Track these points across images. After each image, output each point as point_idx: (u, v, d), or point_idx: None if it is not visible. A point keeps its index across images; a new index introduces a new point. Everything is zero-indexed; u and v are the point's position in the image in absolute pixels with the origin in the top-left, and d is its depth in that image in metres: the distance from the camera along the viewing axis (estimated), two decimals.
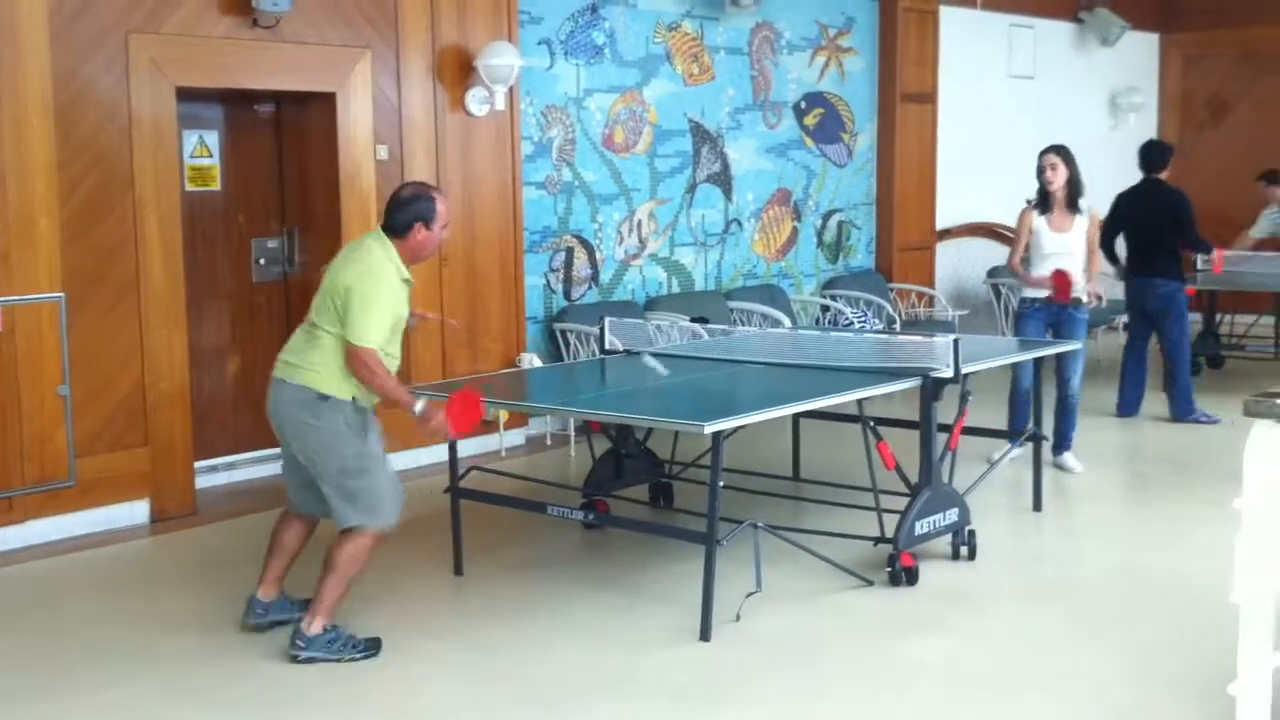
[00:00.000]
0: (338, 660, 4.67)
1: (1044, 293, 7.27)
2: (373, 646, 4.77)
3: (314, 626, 4.68)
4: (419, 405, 4.65)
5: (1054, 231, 7.26)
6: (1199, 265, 9.96)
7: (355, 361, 4.57)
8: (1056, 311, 7.29)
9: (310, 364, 4.67)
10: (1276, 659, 2.53)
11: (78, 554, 6.17)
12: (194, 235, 7.18)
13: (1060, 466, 7.41)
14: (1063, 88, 12.65)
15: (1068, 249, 7.24)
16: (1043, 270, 7.29)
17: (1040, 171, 7.29)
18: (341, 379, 4.64)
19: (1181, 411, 8.62)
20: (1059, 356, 7.23)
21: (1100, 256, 7.57)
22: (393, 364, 4.72)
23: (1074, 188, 7.25)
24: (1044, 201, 7.32)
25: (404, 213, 4.72)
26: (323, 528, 5.01)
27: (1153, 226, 8.50)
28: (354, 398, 4.66)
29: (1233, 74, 13.54)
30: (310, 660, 4.66)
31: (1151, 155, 8.72)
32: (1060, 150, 7.29)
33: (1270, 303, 10.42)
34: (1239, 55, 13.43)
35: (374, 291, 4.58)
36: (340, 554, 4.70)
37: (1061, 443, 7.46)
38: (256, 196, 7.60)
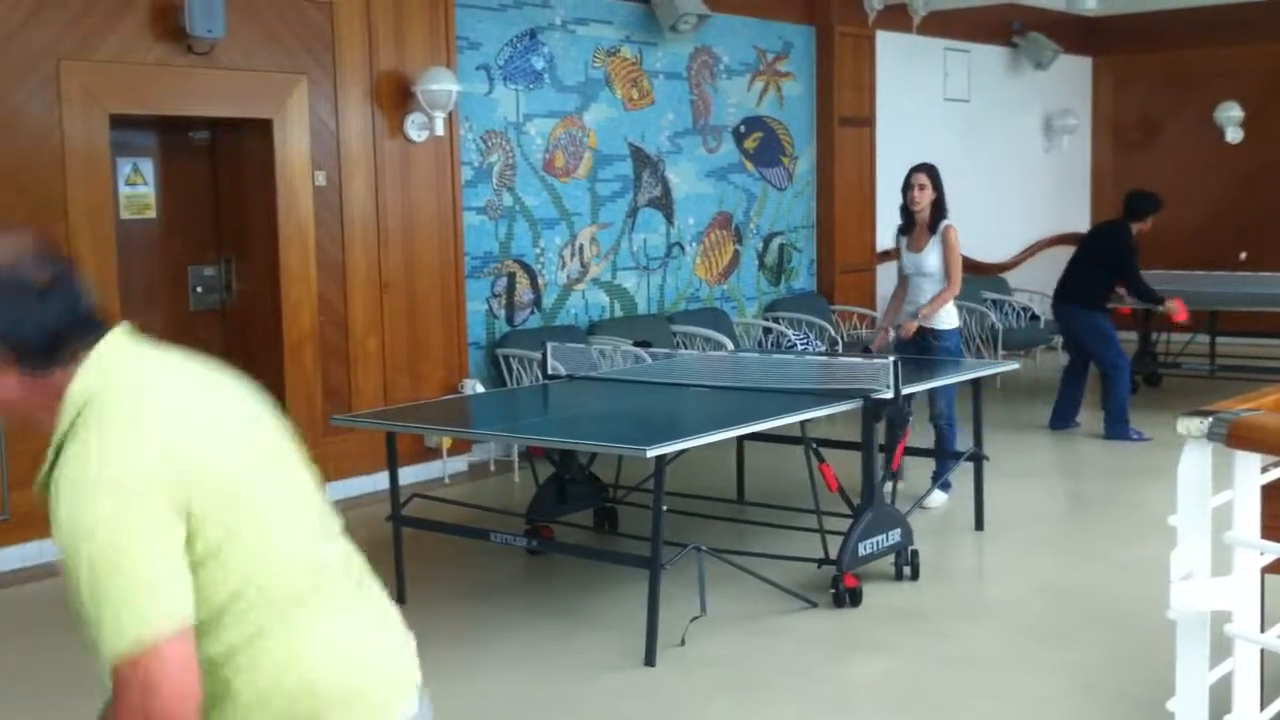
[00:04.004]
0: None
1: (914, 324, 7.11)
2: None
3: None
4: None
5: (910, 251, 7.17)
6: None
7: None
8: (921, 341, 7.10)
9: None
10: (1213, 675, 2.55)
11: (12, 589, 6.05)
12: (129, 264, 7.09)
13: (921, 505, 6.67)
14: (998, 111, 12.81)
15: (919, 268, 7.11)
16: (907, 290, 7.21)
17: (906, 190, 7.15)
18: None
19: (1114, 430, 8.73)
20: (930, 388, 6.73)
21: (958, 282, 7.11)
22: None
23: (938, 209, 7.10)
24: (908, 222, 7.23)
25: None
26: None
27: (1088, 256, 8.79)
28: None
29: (1162, 96, 13.79)
30: None
31: (1126, 201, 9.04)
32: (929, 170, 7.14)
33: (1205, 321, 10.58)
34: (1168, 77, 13.68)
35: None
36: None
37: (938, 476, 7.05)
38: (193, 224, 7.52)
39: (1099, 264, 8.76)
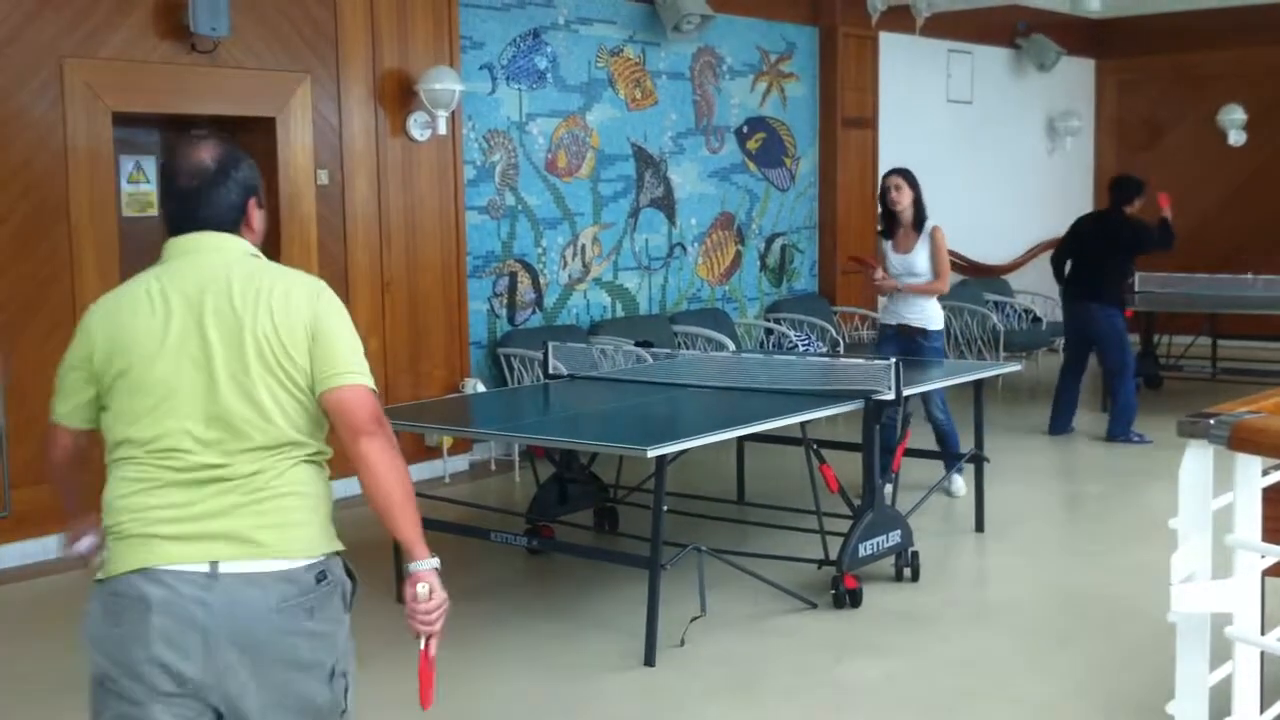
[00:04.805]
0: None
1: (895, 320, 7.26)
2: None
3: None
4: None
5: (897, 253, 7.25)
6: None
7: None
8: (905, 341, 7.18)
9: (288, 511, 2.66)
10: (1213, 677, 2.55)
11: (12, 585, 6.05)
12: (131, 261, 7.08)
13: (946, 491, 7.22)
14: (1001, 113, 12.81)
15: (909, 269, 7.19)
16: (891, 293, 7.30)
17: (884, 193, 7.28)
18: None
19: (1117, 431, 8.73)
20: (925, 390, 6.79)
21: (946, 279, 7.31)
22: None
23: (919, 209, 7.23)
24: (889, 223, 7.31)
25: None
26: None
27: (1098, 253, 8.72)
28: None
29: (1166, 98, 13.78)
30: None
31: (1115, 187, 8.98)
32: (904, 173, 7.29)
33: (1205, 323, 10.58)
34: (1171, 80, 13.67)
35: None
36: None
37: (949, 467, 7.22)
38: None
39: (1116, 257, 8.71)
